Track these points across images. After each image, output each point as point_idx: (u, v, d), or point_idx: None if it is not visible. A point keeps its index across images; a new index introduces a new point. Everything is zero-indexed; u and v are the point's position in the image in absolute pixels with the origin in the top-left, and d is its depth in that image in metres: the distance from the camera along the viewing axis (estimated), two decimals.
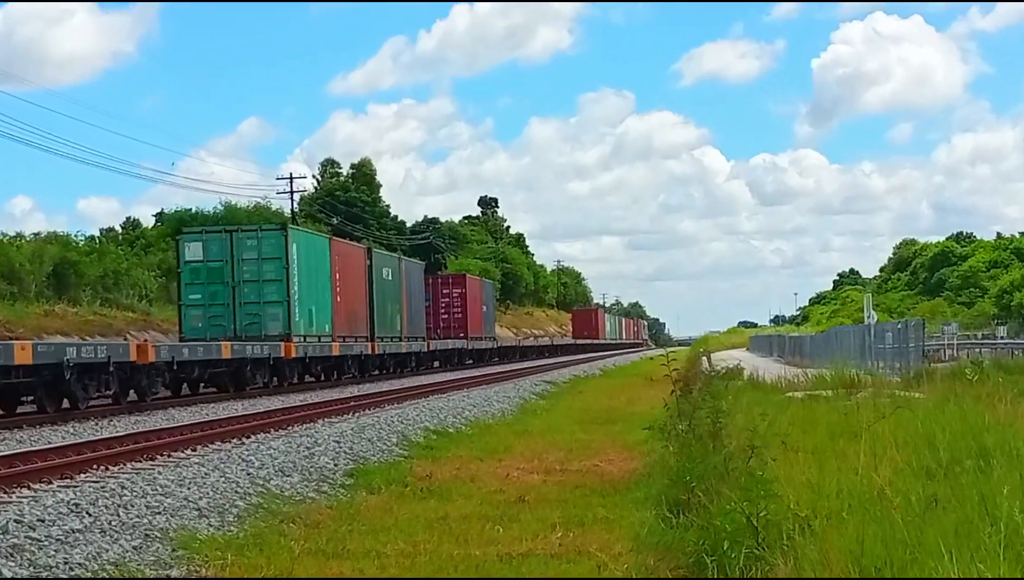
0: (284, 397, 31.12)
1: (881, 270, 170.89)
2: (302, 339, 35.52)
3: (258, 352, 32.15)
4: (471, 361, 61.75)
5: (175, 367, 27.70)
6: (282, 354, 33.55)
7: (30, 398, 23.24)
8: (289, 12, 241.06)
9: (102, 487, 13.05)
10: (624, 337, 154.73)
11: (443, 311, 59.96)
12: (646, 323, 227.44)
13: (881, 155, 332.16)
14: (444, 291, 60.62)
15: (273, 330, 34.38)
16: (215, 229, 37.39)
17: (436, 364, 55.68)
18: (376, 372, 44.63)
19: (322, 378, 39.12)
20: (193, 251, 35.06)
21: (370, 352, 42.75)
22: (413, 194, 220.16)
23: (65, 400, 23.49)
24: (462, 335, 59.90)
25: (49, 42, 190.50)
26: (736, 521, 8.51)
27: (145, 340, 35.82)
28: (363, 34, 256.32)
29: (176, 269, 36.40)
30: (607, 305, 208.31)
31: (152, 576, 9.92)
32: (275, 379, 33.94)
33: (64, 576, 9.59)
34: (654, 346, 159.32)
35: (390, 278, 46.59)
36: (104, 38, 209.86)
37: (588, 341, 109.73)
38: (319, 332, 37.33)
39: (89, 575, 9.73)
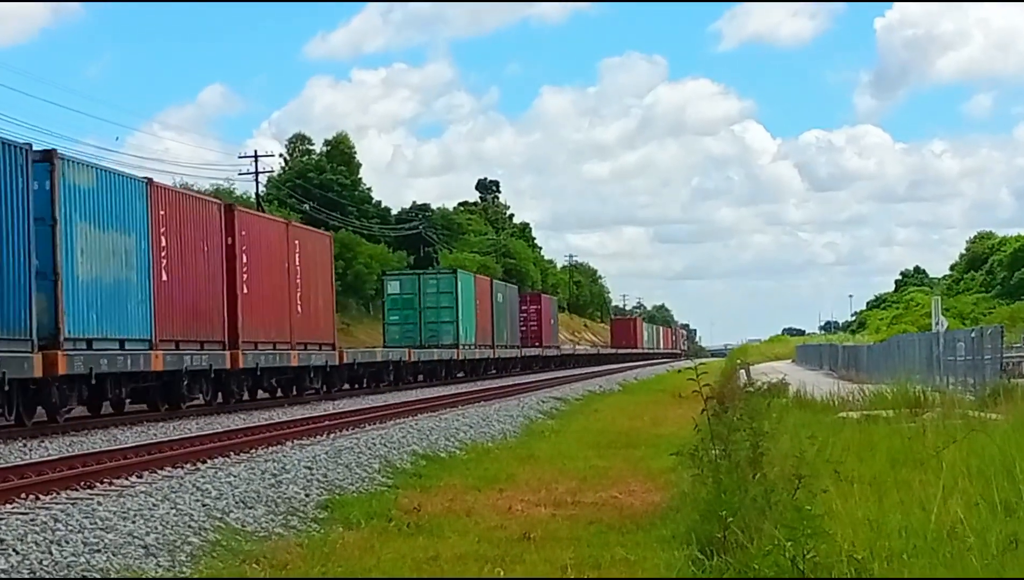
0: (246, 414, 31.24)
1: (952, 268, 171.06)
2: (464, 347, 60.44)
3: (445, 355, 58.40)
4: (538, 366, 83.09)
5: (419, 364, 55.28)
6: (455, 357, 59.30)
7: None
8: None
9: (31, 520, 13.04)
10: (662, 346, 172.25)
11: (522, 324, 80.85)
12: (684, 332, 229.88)
13: (955, 132, 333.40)
14: (523, 307, 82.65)
15: (446, 341, 58.77)
16: (408, 273, 67.39)
17: (518, 368, 77.00)
18: (492, 371, 69.39)
19: (470, 374, 63.66)
20: (393, 287, 61.03)
21: (492, 356, 68.69)
22: (402, 176, 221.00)
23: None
24: (537, 344, 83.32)
25: None
26: (780, 564, 8.52)
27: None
28: None
29: (380, 300, 66.91)
30: (628, 308, 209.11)
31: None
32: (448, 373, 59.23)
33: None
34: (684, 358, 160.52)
35: (501, 300, 71.48)
36: None
37: (627, 350, 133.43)
38: (469, 342, 61.92)
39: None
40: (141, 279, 29.33)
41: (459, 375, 61.66)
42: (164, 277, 30.41)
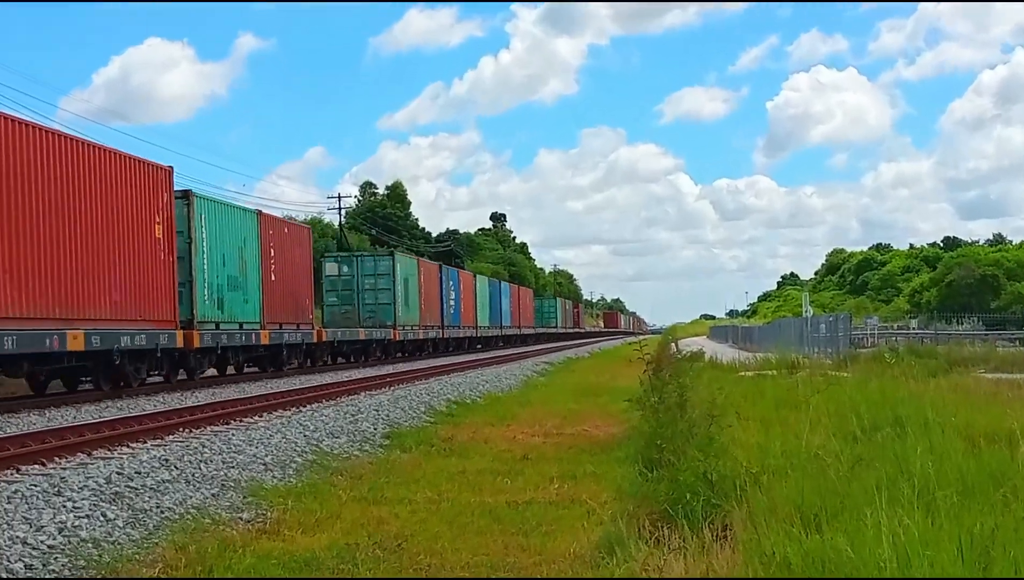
0: (333, 374, 31.10)
1: (816, 273, 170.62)
2: (559, 327, 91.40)
3: (552, 330, 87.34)
4: (577, 337, 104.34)
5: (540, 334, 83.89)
6: (557, 331, 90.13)
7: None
8: (349, 62, 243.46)
9: (187, 446, 13.04)
10: (632, 329, 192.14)
11: (573, 317, 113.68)
12: (645, 319, 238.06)
13: (821, 180, 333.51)
14: (574, 310, 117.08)
15: (553, 324, 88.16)
16: (537, 298, 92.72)
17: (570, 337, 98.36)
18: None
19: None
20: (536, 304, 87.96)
21: (565, 331, 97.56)
22: (442, 210, 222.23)
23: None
24: (578, 327, 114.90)
25: (155, 86, 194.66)
26: (696, 475, 8.46)
27: None
28: (408, 80, 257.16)
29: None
30: (595, 301, 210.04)
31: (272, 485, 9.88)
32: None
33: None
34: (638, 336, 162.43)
35: (568, 307, 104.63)
36: (201, 83, 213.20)
37: (613, 330, 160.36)
38: (560, 324, 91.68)
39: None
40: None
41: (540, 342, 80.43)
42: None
